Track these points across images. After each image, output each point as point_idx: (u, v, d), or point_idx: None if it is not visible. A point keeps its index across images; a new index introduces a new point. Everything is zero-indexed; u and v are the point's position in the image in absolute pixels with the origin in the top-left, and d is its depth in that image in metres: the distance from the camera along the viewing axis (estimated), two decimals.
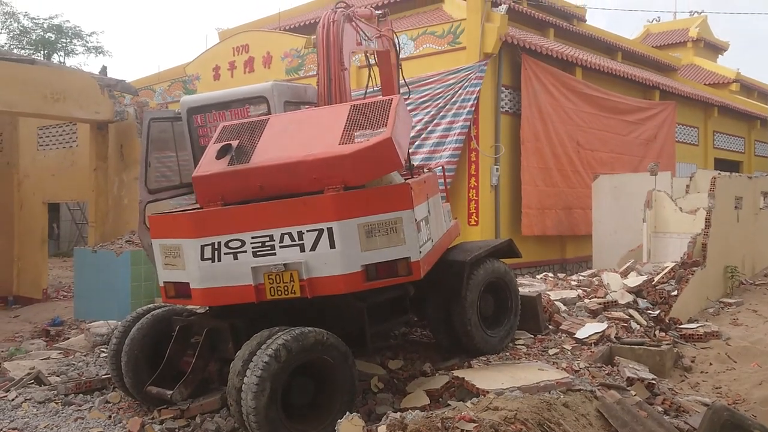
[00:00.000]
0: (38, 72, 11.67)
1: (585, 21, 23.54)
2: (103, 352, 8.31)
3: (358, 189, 5.46)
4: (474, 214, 13.54)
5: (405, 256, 5.52)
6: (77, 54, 44.05)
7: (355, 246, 5.44)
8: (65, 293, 15.47)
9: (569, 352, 7.47)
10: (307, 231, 5.44)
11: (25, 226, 15.08)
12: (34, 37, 42.84)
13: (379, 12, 9.05)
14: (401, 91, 8.75)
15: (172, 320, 6.42)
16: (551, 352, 7.46)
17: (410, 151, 13.55)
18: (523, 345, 7.71)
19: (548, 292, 9.43)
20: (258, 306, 5.71)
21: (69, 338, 9.85)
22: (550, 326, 8.36)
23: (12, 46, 40.21)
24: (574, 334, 7.99)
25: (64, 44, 43.67)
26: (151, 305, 6.95)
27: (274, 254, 5.53)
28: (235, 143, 5.90)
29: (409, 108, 13.87)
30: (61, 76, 12.09)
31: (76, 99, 11.74)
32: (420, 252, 5.57)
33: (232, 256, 5.59)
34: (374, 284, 5.60)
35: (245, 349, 5.37)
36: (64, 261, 22.16)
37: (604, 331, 8.00)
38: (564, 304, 9.04)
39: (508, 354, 7.35)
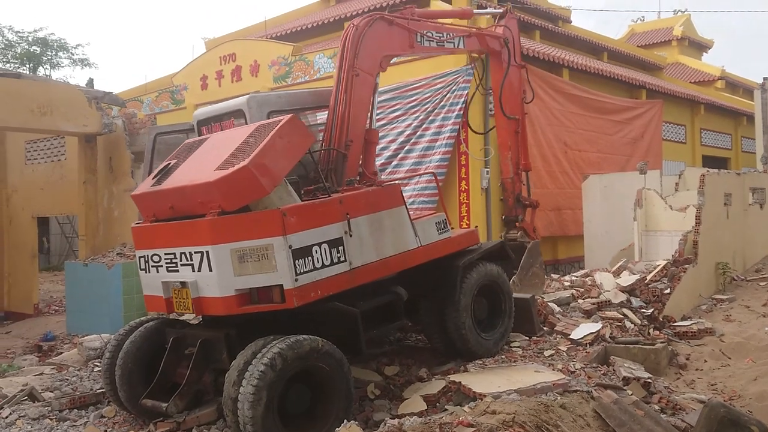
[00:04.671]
0: (24, 86, 11.61)
1: (570, 22, 23.65)
2: (97, 366, 8.25)
3: (232, 214, 5.50)
4: (465, 217, 13.55)
5: (277, 283, 5.48)
6: (63, 67, 43.93)
7: (228, 270, 5.52)
8: (57, 308, 15.34)
9: (565, 353, 7.48)
10: (194, 252, 5.65)
11: (15, 241, 14.97)
12: (19, 51, 42.60)
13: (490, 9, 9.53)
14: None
15: (166, 332, 6.40)
16: (547, 353, 7.47)
17: (400, 156, 13.72)
18: (518, 347, 7.71)
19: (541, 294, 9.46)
20: (251, 315, 5.70)
21: (62, 353, 9.76)
22: (544, 328, 8.37)
23: None
24: (569, 335, 8.01)
25: (50, 57, 43.43)
26: (143, 318, 6.93)
27: (177, 271, 5.81)
28: (173, 163, 6.14)
29: (397, 113, 13.94)
30: (48, 89, 12.01)
31: (63, 112, 11.67)
32: (296, 280, 5.46)
33: (155, 269, 6.05)
34: (248, 309, 5.61)
35: (240, 358, 5.36)
36: (54, 275, 21.98)
37: (598, 331, 8.02)
38: (558, 305, 9.05)
39: (503, 357, 7.36)
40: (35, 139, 14.45)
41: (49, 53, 43.41)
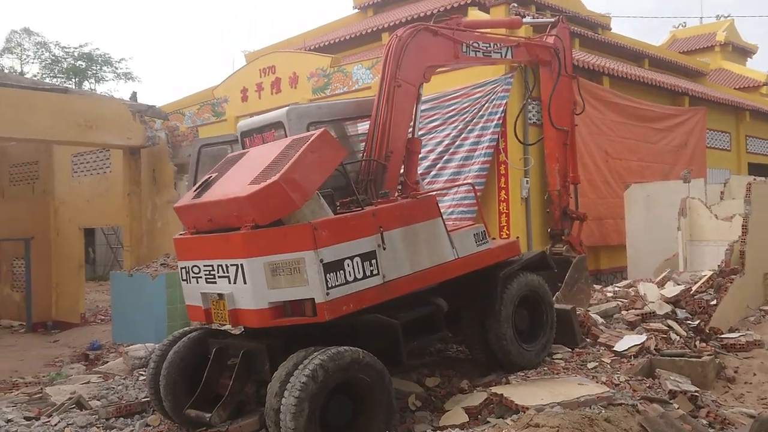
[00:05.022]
0: (71, 100, 11.92)
1: (610, 29, 23.37)
2: (142, 375, 8.39)
3: (266, 228, 5.54)
4: (505, 227, 13.47)
5: (309, 296, 5.51)
6: (107, 81, 45.08)
7: (262, 283, 5.57)
8: (102, 317, 15.68)
9: (608, 366, 7.37)
10: (230, 265, 5.73)
11: (62, 252, 15.35)
12: (65, 66, 43.81)
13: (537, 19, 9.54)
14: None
15: (209, 342, 6.47)
16: (590, 365, 7.36)
17: (439, 166, 13.71)
18: (560, 359, 7.62)
19: None
20: (292, 326, 5.75)
21: (108, 362, 9.97)
22: (587, 339, 8.25)
23: (44, 76, 41.20)
24: (613, 346, 7.89)
25: (95, 71, 44.61)
26: (187, 328, 7.02)
27: (215, 283, 5.91)
28: (214, 176, 6.24)
29: (435, 123, 13.94)
30: (94, 103, 12.33)
31: (108, 126, 11.95)
32: (328, 294, 5.47)
33: (195, 280, 6.17)
34: (282, 322, 5.66)
35: (282, 370, 5.39)
36: (100, 285, 22.48)
37: (643, 343, 7.88)
38: (601, 317, 8.92)
39: (545, 368, 7.28)
40: (81, 152, 14.81)
41: (94, 68, 44.57)
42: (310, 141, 5.67)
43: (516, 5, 14.58)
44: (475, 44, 8.60)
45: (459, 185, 12.95)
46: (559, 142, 10.62)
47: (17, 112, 10.71)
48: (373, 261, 5.88)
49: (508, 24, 11.13)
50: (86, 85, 42.39)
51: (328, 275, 5.49)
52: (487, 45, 8.87)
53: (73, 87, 34.49)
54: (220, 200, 5.78)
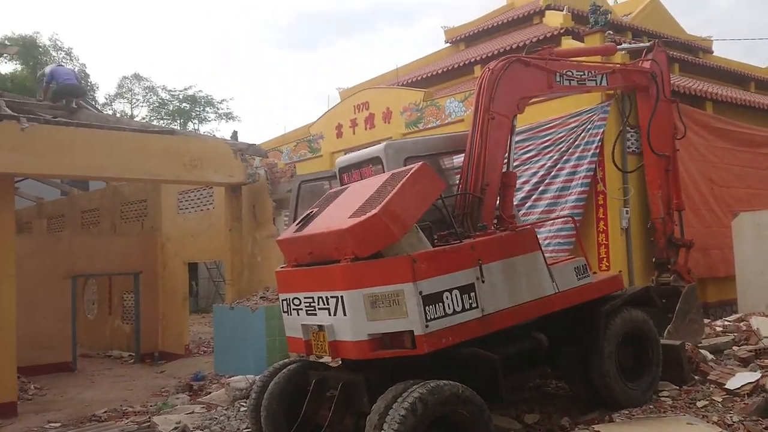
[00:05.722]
0: (178, 141, 12.51)
1: (712, 52, 22.59)
2: (243, 406, 8.61)
3: (365, 260, 5.58)
4: (605, 258, 13.07)
5: (408, 329, 5.49)
6: (210, 121, 47.26)
7: (361, 315, 5.61)
8: (205, 348, 16.20)
9: (720, 405, 6.99)
10: (330, 297, 5.81)
11: (168, 285, 16.05)
12: (171, 108, 46.25)
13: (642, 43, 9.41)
14: None
15: (308, 374, 6.59)
16: (700, 404, 7.01)
17: (534, 197, 13.52)
18: (667, 397, 7.30)
19: None
20: (392, 359, 5.77)
21: (210, 392, 10.28)
22: (696, 377, 7.87)
23: (152, 118, 43.62)
24: (725, 384, 7.48)
25: (198, 112, 46.85)
26: (287, 360, 7.17)
27: (316, 315, 5.99)
28: (315, 210, 6.40)
29: (530, 154, 13.78)
30: (199, 143, 12.88)
31: (212, 164, 12.45)
32: (427, 326, 5.45)
33: (295, 311, 6.31)
34: (381, 354, 5.69)
35: (381, 402, 5.41)
36: (202, 317, 23.28)
37: (758, 380, 7.43)
38: (710, 352, 8.50)
39: (652, 407, 6.99)
40: (186, 190, 15.52)
41: (197, 109, 46.82)
42: (409, 174, 5.75)
43: (612, 33, 14.35)
44: (569, 73, 8.51)
45: (556, 217, 12.69)
46: (660, 169, 10.31)
47: (132, 154, 11.36)
48: (472, 294, 5.87)
49: (603, 51, 10.99)
50: (190, 126, 44.60)
51: (427, 307, 5.51)
52: (582, 73, 8.76)
53: (179, 128, 36.29)
54: (322, 233, 5.92)
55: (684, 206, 10.81)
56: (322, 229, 5.99)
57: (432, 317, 5.54)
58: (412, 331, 5.49)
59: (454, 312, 5.72)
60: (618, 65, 10.16)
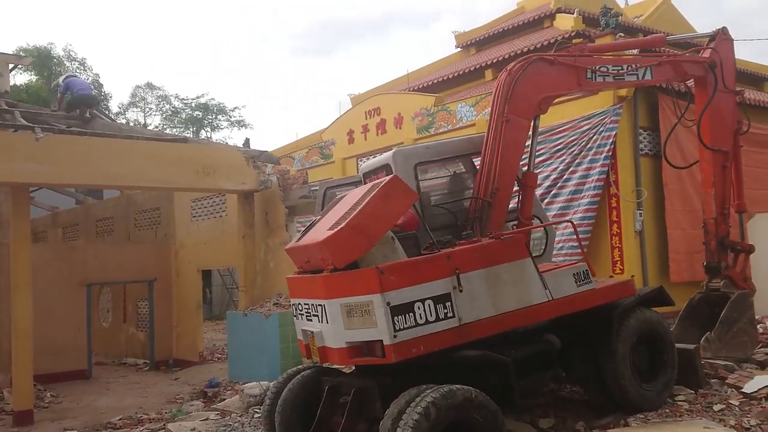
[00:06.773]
0: (191, 149, 12.57)
1: None
2: (257, 412, 8.62)
3: (341, 271, 5.72)
4: (619, 261, 12.99)
5: (377, 338, 5.55)
6: (222, 128, 47.52)
7: (340, 323, 5.76)
8: (219, 355, 16.21)
9: (737, 408, 6.93)
10: (317, 305, 5.99)
11: (182, 292, 16.10)
12: (184, 117, 46.51)
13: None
14: None
15: (321, 380, 6.60)
16: (716, 408, 6.95)
17: (546, 201, 13.46)
18: (683, 401, 7.24)
19: None
20: (403, 364, 5.76)
21: (225, 399, 10.30)
22: (712, 380, 7.80)
23: (165, 126, 43.90)
24: (742, 388, 7.41)
25: (210, 120, 47.11)
26: (300, 366, 7.19)
27: (311, 321, 6.18)
28: (318, 219, 6.54)
29: (542, 158, 13.73)
30: (211, 151, 12.94)
31: (224, 172, 12.49)
32: (395, 336, 5.46)
33: (299, 317, 6.53)
34: (359, 361, 5.87)
35: (394, 407, 5.40)
36: (216, 324, 23.31)
37: None
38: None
39: (667, 410, 6.94)
40: (199, 198, 15.57)
41: (210, 117, 47.07)
42: (378, 188, 5.87)
43: (623, 35, 14.27)
44: (603, 68, 8.09)
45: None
46: (716, 165, 9.54)
47: (145, 162, 11.43)
48: (448, 303, 5.82)
49: (650, 43, 10.21)
50: (203, 134, 44.84)
51: (395, 318, 5.53)
52: (619, 68, 8.32)
53: (191, 136, 36.52)
54: (309, 244, 6.10)
55: (746, 207, 10.13)
56: (310, 239, 6.15)
57: (401, 327, 5.54)
58: (382, 340, 5.54)
59: (427, 322, 5.68)
60: (668, 56, 9.41)
